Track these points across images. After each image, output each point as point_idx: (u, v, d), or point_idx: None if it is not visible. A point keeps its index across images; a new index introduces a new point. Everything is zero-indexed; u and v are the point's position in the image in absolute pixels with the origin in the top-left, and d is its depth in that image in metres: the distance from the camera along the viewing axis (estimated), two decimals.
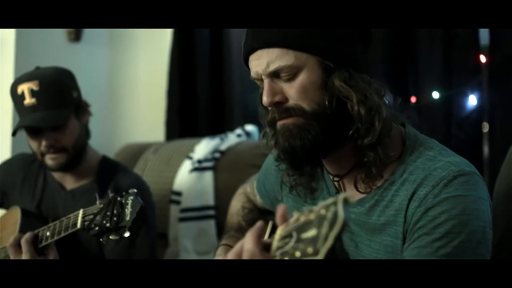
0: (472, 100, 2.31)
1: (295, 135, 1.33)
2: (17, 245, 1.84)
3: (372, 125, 1.30)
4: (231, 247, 1.57)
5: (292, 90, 1.32)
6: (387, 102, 1.37)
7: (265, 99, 1.34)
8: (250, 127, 2.93)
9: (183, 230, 2.67)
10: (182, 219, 2.68)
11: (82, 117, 2.14)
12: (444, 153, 1.33)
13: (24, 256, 1.81)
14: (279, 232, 1.05)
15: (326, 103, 1.31)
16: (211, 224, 2.63)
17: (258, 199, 1.75)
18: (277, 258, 1.02)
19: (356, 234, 1.41)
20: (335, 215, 0.92)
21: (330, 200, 0.95)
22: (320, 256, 0.92)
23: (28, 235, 1.84)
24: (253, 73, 1.37)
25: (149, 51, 3.69)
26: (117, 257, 2.07)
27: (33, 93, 2.01)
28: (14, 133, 2.06)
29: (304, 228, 0.97)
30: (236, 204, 1.84)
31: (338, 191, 1.45)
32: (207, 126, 3.30)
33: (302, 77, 1.31)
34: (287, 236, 1.01)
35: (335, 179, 1.44)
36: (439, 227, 1.23)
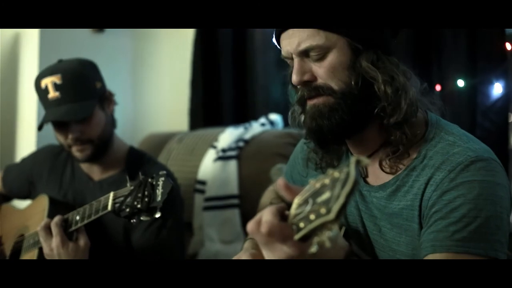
0: (497, 89, 2.28)
1: (324, 115, 1.36)
2: (47, 229, 1.86)
3: (399, 105, 1.33)
4: None
5: (321, 70, 1.35)
6: (413, 85, 1.38)
7: (294, 77, 1.38)
8: (274, 116, 2.93)
9: (208, 219, 2.68)
10: (206, 208, 2.69)
11: (107, 108, 2.16)
12: (464, 139, 1.34)
13: (55, 239, 1.83)
14: (295, 201, 1.06)
15: (353, 83, 1.34)
16: (235, 213, 2.64)
17: None
18: (293, 224, 1.04)
19: (378, 218, 1.42)
20: (347, 175, 0.94)
21: (344, 165, 0.97)
22: (332, 214, 0.94)
23: (57, 218, 1.87)
24: (284, 52, 1.41)
25: (173, 41, 3.70)
26: (144, 245, 2.08)
27: (56, 86, 2.02)
28: (39, 128, 2.08)
29: (319, 193, 0.99)
30: (265, 201, 1.86)
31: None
32: (230, 115, 3.31)
33: (331, 57, 1.34)
34: (303, 204, 1.03)
35: None
36: (454, 212, 1.24)
